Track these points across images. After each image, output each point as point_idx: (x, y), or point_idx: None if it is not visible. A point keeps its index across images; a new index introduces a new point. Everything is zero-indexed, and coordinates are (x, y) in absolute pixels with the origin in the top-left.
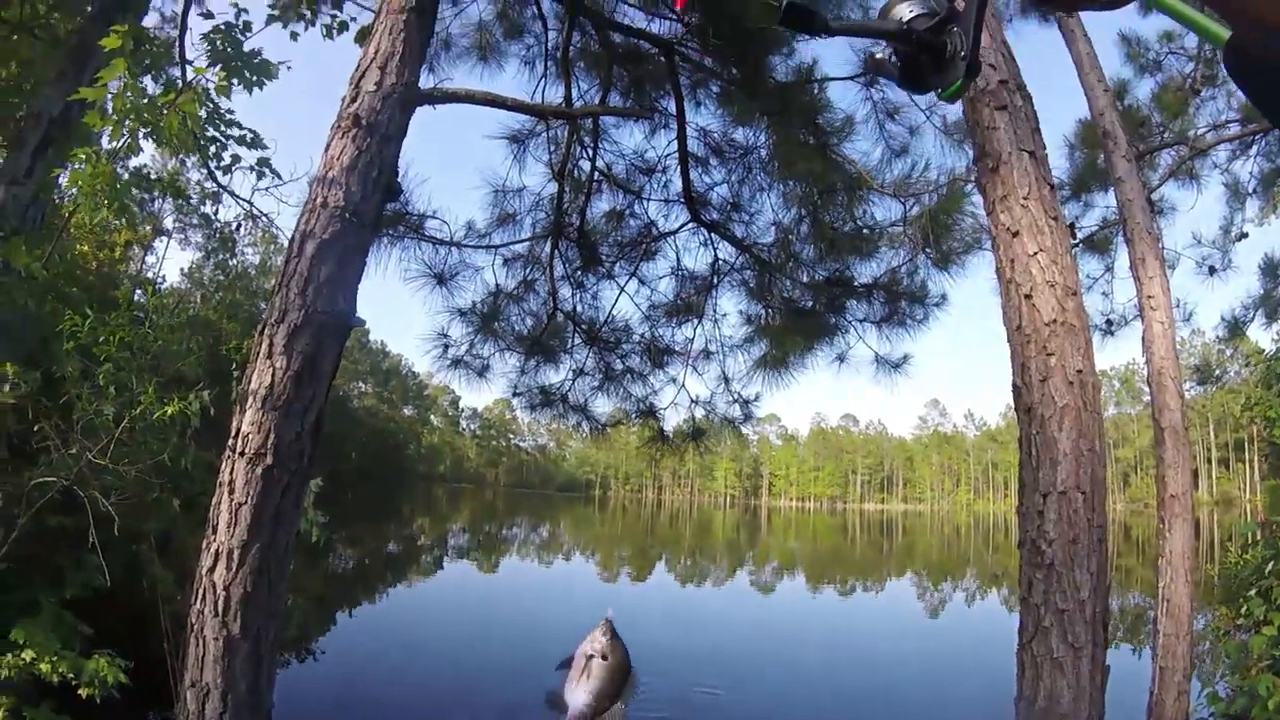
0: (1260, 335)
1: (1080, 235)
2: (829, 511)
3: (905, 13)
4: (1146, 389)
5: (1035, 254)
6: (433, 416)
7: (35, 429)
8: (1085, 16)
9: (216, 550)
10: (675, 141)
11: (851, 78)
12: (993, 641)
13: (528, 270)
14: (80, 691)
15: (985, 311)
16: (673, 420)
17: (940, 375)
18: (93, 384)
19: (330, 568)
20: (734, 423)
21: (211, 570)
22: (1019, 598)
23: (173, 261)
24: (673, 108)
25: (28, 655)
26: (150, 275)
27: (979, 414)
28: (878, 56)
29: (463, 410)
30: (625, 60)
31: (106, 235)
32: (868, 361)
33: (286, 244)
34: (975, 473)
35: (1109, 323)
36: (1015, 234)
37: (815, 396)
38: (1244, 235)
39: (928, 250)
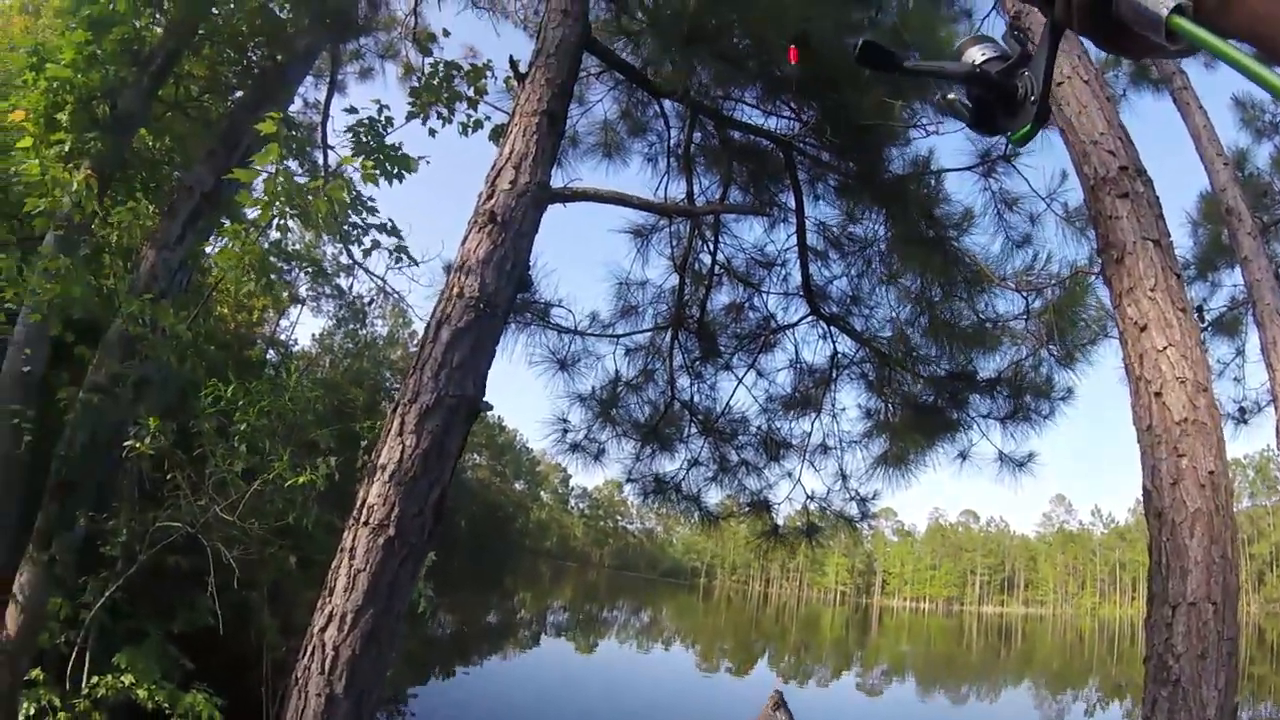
0: None
1: (1209, 318)
2: (944, 613)
3: (977, 55)
4: None
5: (1164, 349)
6: (543, 493)
7: (168, 476)
8: (1197, 85)
9: (330, 611)
10: (794, 235)
11: (969, 168)
12: None
13: (648, 360)
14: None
15: (1113, 403)
16: (786, 514)
17: (1066, 471)
18: (228, 443)
19: (429, 632)
20: (850, 521)
21: (324, 630)
22: (1142, 716)
23: (304, 328)
24: (791, 202)
25: (127, 679)
26: (283, 338)
27: (1107, 510)
28: (949, 98)
29: (573, 489)
30: (744, 156)
31: (246, 299)
32: (991, 459)
33: (421, 326)
34: (1102, 573)
35: (1242, 410)
36: (1143, 328)
37: (933, 492)
38: None
39: (1051, 345)
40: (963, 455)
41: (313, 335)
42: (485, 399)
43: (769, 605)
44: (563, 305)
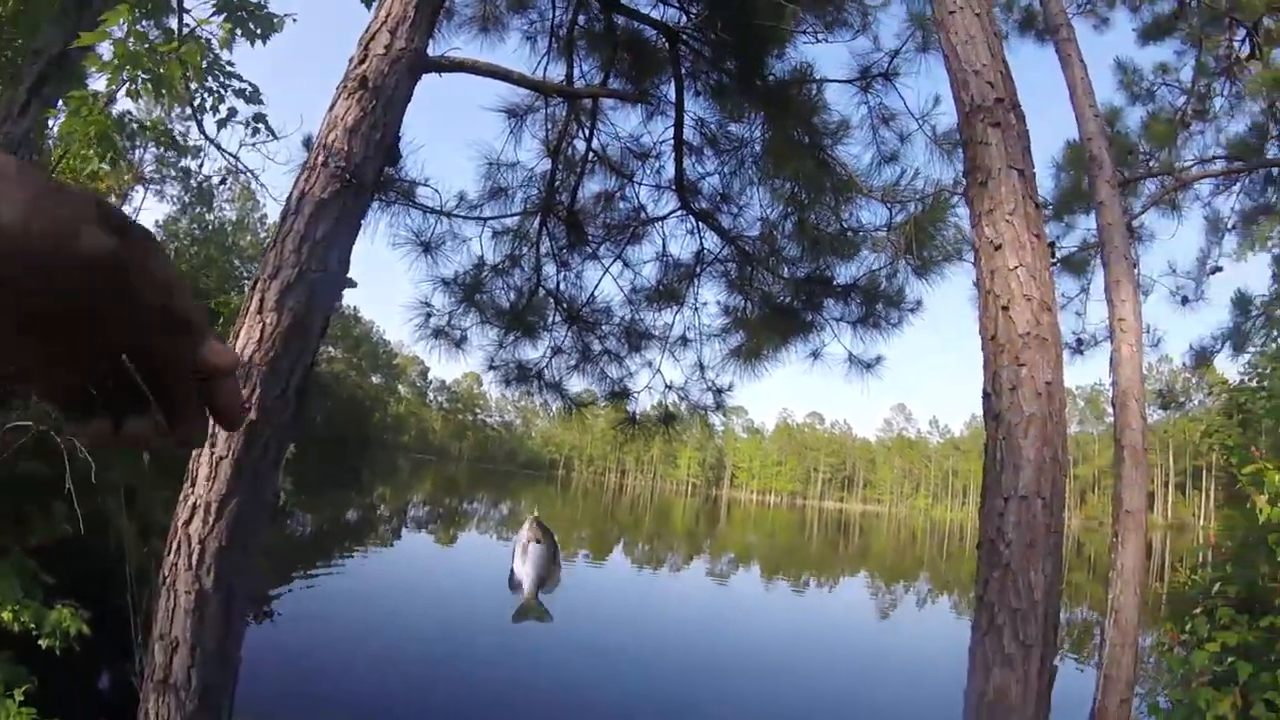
0: (1227, 367)
1: (1059, 255)
2: (788, 507)
3: None
4: (1110, 410)
5: (1015, 268)
6: (400, 386)
7: None
8: (1083, 42)
9: (194, 503)
10: (672, 128)
11: (849, 80)
12: (939, 638)
13: (515, 245)
14: (40, 642)
15: (956, 323)
16: (645, 405)
17: (908, 382)
18: None
19: (289, 531)
20: (705, 410)
21: (188, 523)
22: (975, 595)
23: (149, 214)
24: (672, 95)
25: None
26: None
27: (943, 422)
28: None
29: (431, 382)
30: (628, 44)
31: (89, 182)
32: (841, 360)
33: (276, 210)
34: (935, 479)
35: (1079, 341)
36: (998, 247)
37: (783, 393)
38: (1218, 269)
39: (908, 257)
40: (815, 354)
41: (156, 221)
42: (349, 276)
43: (624, 496)
44: (429, 185)
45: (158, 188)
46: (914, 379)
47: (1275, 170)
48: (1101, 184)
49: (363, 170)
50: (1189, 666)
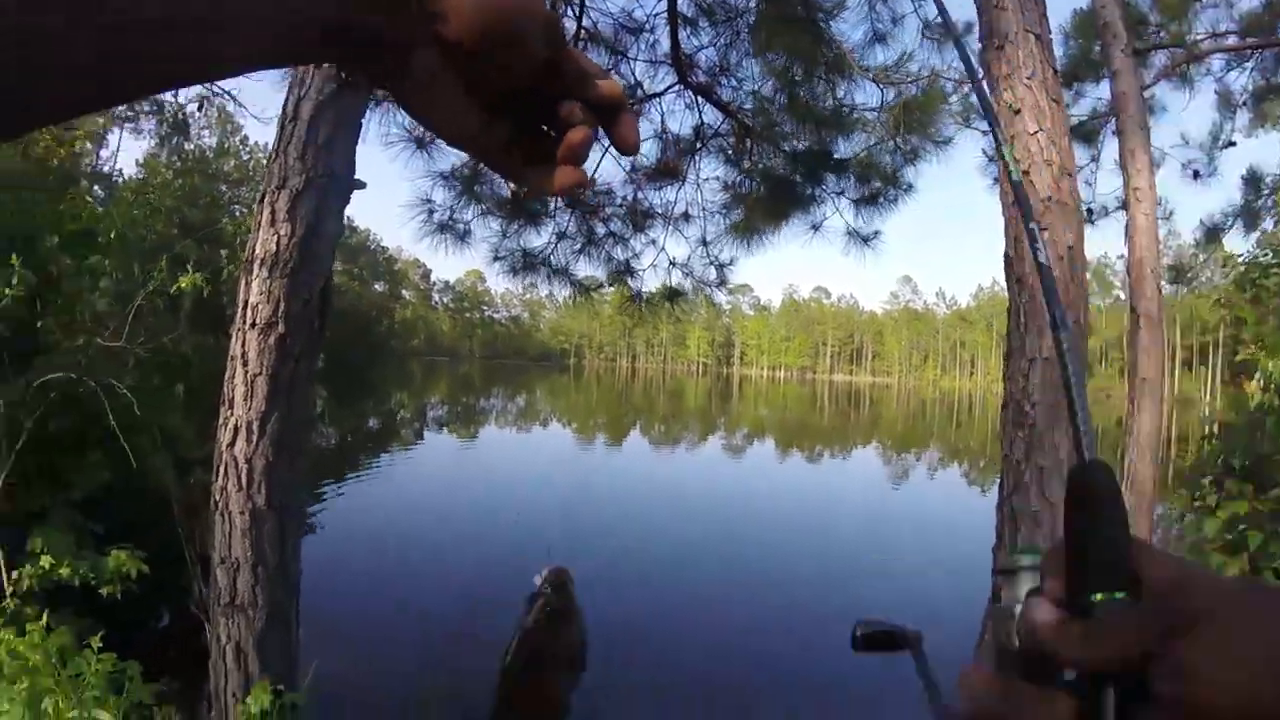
0: (1237, 243)
1: (1070, 123)
2: (799, 381)
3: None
4: (1118, 283)
5: (1035, 133)
6: (405, 291)
7: (38, 326)
8: None
9: (235, 425)
10: (664, 0)
11: None
12: (959, 502)
13: None
14: (102, 590)
15: (961, 194)
16: (651, 284)
17: (913, 255)
18: (91, 276)
19: (316, 445)
20: (709, 285)
21: (231, 445)
22: (1001, 455)
23: (126, 154)
24: None
25: (46, 562)
26: (107, 170)
27: (950, 293)
28: None
29: (435, 284)
30: None
31: (64, 133)
32: (840, 233)
33: (255, 128)
34: (944, 350)
35: (1089, 211)
36: (1017, 111)
37: (788, 269)
38: (1231, 144)
39: (900, 139)
40: (815, 227)
41: (136, 161)
42: (357, 178)
43: (637, 380)
44: None
45: (133, 125)
46: (919, 252)
47: None
48: (1115, 52)
49: None
50: (1201, 532)
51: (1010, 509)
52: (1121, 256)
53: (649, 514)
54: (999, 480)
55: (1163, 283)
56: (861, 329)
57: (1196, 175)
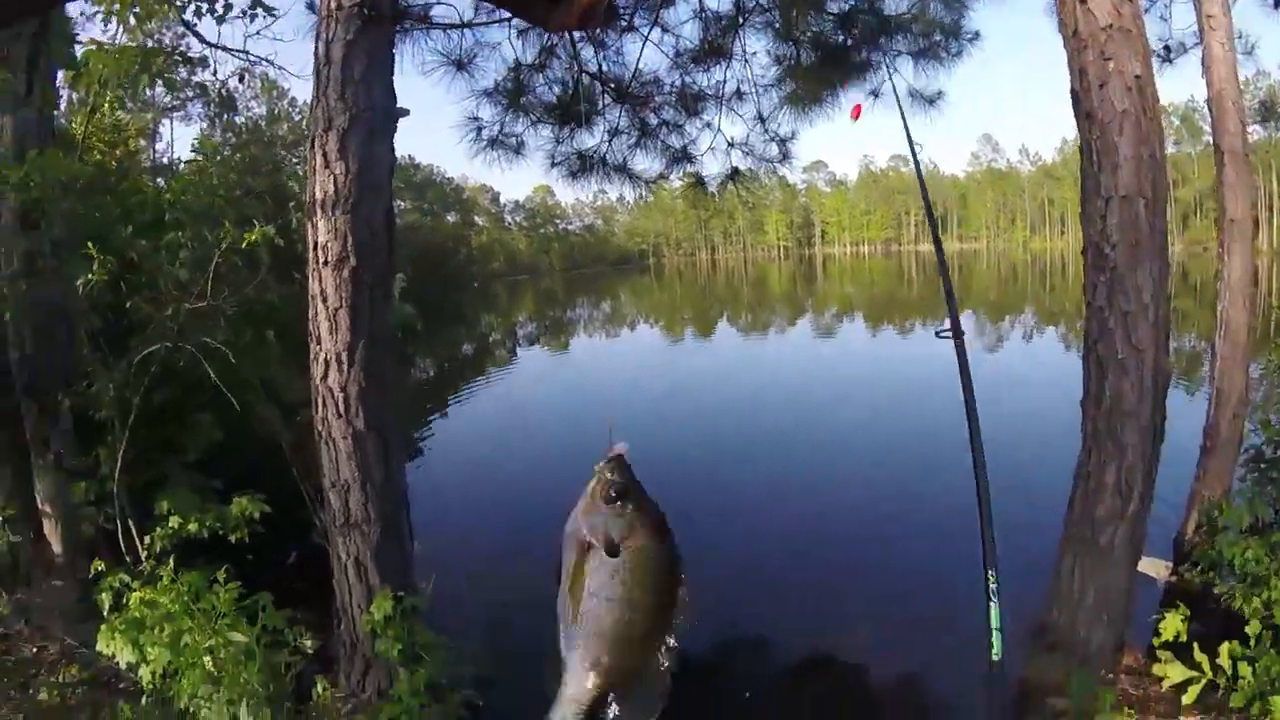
0: None
1: None
2: (883, 254)
3: None
4: (1207, 128)
5: None
6: (477, 218)
7: (128, 305)
8: None
9: (325, 358)
10: None
11: None
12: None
13: (545, 37)
14: (231, 538)
15: (1038, 45)
16: (712, 169)
17: (991, 113)
18: (169, 252)
19: (413, 378)
20: (772, 162)
21: (325, 378)
22: (1084, 302)
23: (182, 142)
24: None
25: (175, 522)
26: (166, 163)
27: (1034, 150)
28: None
29: (505, 205)
30: None
31: (118, 135)
32: (902, 96)
33: (298, 89)
34: (1031, 209)
35: (1167, 49)
36: None
37: (862, 140)
38: None
39: None
40: (874, 94)
41: (192, 146)
42: (399, 106)
43: (717, 271)
44: (442, 1)
45: (181, 113)
46: (997, 108)
47: None
48: None
49: (378, 1)
50: None
51: (1096, 358)
52: (1209, 100)
53: (736, 406)
54: (1084, 328)
55: (1253, 122)
56: (944, 194)
57: (1277, 4)
